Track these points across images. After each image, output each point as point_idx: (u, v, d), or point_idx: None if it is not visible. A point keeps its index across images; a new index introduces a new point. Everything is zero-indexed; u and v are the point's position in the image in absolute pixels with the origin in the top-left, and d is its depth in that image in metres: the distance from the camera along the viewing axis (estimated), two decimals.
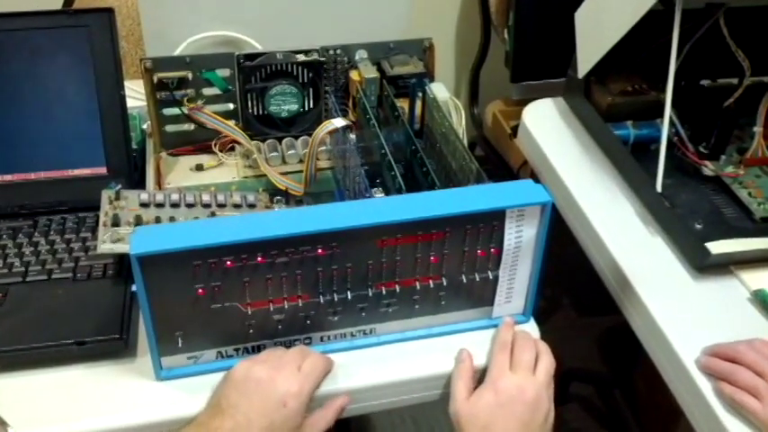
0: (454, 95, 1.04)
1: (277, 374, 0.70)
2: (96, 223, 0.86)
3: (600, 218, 0.96)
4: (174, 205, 0.87)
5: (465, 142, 0.91)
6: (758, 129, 1.01)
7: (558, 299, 1.89)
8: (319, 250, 0.71)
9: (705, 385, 0.76)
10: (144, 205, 0.86)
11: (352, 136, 0.90)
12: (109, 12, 0.91)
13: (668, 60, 0.91)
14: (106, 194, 0.86)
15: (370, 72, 1.00)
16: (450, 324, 0.81)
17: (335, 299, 0.75)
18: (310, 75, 1.02)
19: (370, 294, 0.76)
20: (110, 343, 0.76)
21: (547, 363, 0.77)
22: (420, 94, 0.97)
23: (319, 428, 0.72)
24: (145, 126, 1.05)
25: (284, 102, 1.02)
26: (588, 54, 1.02)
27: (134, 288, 0.78)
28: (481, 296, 0.80)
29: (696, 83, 1.11)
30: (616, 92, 1.07)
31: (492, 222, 0.74)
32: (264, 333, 0.76)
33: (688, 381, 0.77)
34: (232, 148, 1.03)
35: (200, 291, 0.70)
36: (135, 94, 1.05)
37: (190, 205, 0.88)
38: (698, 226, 0.91)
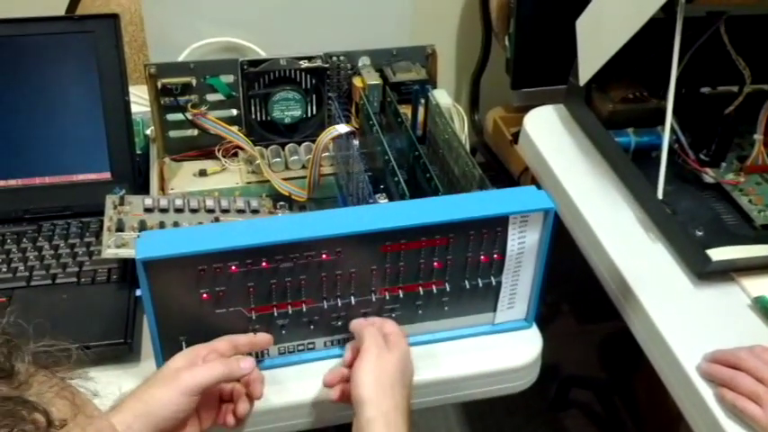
0: (455, 102, 1.05)
1: None
2: (100, 228, 0.87)
3: (601, 224, 0.96)
4: (178, 210, 0.88)
5: (467, 148, 0.92)
6: (758, 136, 1.02)
7: (559, 305, 1.89)
8: (323, 255, 0.72)
9: (706, 391, 0.76)
10: (148, 210, 0.87)
11: (356, 142, 0.90)
12: (114, 18, 0.92)
13: (669, 68, 0.91)
14: (110, 199, 0.87)
15: (373, 78, 1.01)
16: (453, 329, 0.81)
17: (339, 304, 0.75)
18: (313, 81, 1.03)
19: (374, 300, 0.76)
20: (114, 347, 0.77)
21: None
22: (423, 101, 0.98)
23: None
24: (148, 131, 1.05)
25: (287, 108, 1.02)
26: (589, 61, 1.03)
27: (138, 293, 0.79)
28: (484, 302, 0.80)
29: (697, 90, 1.12)
30: (617, 99, 1.08)
31: (495, 228, 0.75)
32: None
33: (689, 387, 0.78)
34: (235, 154, 1.03)
35: (205, 295, 0.71)
36: (138, 100, 1.05)
37: (194, 210, 0.88)
38: (699, 233, 0.92)
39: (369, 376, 0.68)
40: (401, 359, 0.71)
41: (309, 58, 1.02)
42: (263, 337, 0.74)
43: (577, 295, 1.84)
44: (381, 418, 0.66)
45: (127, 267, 0.84)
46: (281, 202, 0.95)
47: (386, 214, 0.73)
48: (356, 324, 0.76)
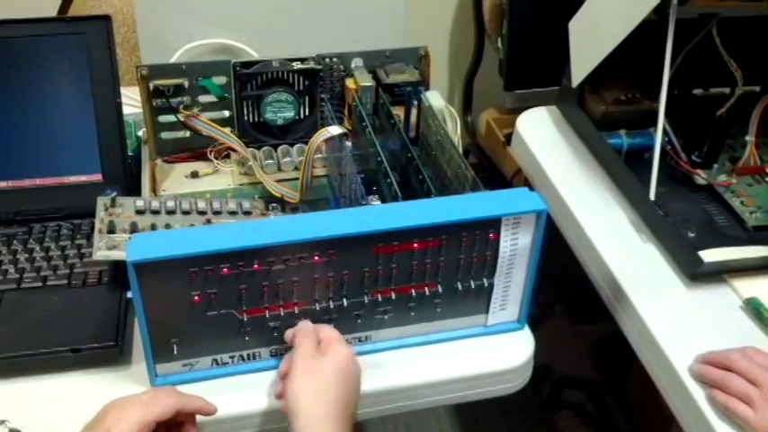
0: (448, 103, 1.05)
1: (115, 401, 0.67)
2: (91, 230, 0.86)
3: (593, 226, 0.96)
4: (170, 212, 0.87)
5: (460, 150, 0.92)
6: (750, 138, 1.02)
7: (552, 306, 1.90)
8: (316, 257, 0.71)
9: (698, 392, 0.76)
10: (139, 212, 0.86)
11: (348, 144, 0.90)
12: (106, 19, 0.92)
13: (661, 70, 0.91)
14: (102, 201, 0.86)
15: (366, 80, 1.01)
16: (446, 331, 0.81)
17: (331, 306, 0.75)
18: (306, 82, 1.03)
19: (366, 301, 0.76)
20: (105, 350, 0.76)
21: None
22: (415, 102, 0.98)
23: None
24: (140, 133, 1.05)
25: (280, 109, 1.02)
26: (582, 63, 1.03)
27: (129, 295, 0.79)
28: (476, 303, 0.80)
29: (689, 92, 1.12)
30: (610, 101, 1.08)
31: (487, 230, 0.75)
32: (260, 340, 0.76)
33: (680, 388, 0.78)
34: (228, 156, 1.03)
35: (196, 298, 0.70)
36: (130, 102, 1.05)
37: (185, 212, 0.88)
38: (691, 234, 0.92)
39: (299, 386, 0.67)
40: (335, 362, 0.70)
41: (302, 60, 1.01)
42: (209, 407, 0.71)
43: (570, 297, 1.85)
44: (311, 427, 0.65)
45: (118, 269, 0.83)
46: (274, 204, 0.95)
47: (378, 216, 0.73)
48: (288, 333, 0.75)
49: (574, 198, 1.01)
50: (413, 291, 0.77)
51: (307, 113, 1.05)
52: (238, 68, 0.99)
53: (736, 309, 0.85)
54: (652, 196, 0.93)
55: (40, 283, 0.83)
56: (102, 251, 0.81)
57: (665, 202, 0.96)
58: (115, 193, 0.87)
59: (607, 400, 1.67)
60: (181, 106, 0.99)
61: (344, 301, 0.75)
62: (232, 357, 0.76)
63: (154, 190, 0.98)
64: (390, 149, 0.93)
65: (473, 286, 0.78)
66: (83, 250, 0.87)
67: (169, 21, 1.14)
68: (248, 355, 0.76)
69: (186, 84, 0.98)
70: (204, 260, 0.68)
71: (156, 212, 0.87)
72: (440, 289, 0.77)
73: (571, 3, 1.04)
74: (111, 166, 0.94)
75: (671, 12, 0.90)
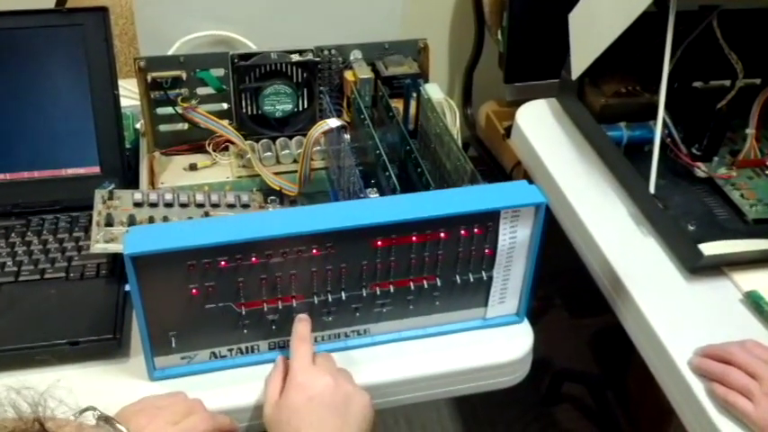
0: (447, 96, 1.04)
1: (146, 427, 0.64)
2: (89, 223, 0.86)
3: (593, 219, 0.96)
4: (168, 205, 0.87)
5: (459, 143, 0.92)
6: (751, 131, 1.02)
7: (551, 299, 1.89)
8: (314, 250, 0.71)
9: (697, 386, 0.76)
10: (137, 205, 0.86)
11: (347, 136, 0.90)
12: (103, 11, 0.91)
13: (661, 62, 0.91)
14: (99, 194, 0.86)
15: (365, 72, 1.00)
16: (444, 324, 0.81)
17: (330, 299, 0.75)
18: (305, 75, 1.02)
19: (365, 295, 0.76)
20: (103, 343, 0.76)
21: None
22: (414, 95, 0.97)
23: None
24: (138, 125, 1.05)
25: (278, 102, 1.01)
26: (582, 55, 1.03)
27: (127, 288, 0.78)
28: (475, 297, 0.80)
29: (689, 85, 1.11)
30: (609, 93, 1.08)
31: (486, 223, 0.74)
32: (258, 333, 0.76)
33: (680, 381, 0.78)
34: (226, 148, 1.03)
35: (194, 291, 0.70)
36: (128, 94, 1.04)
37: (183, 205, 0.88)
38: (691, 227, 0.92)
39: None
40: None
41: (301, 52, 1.01)
42: (235, 426, 0.72)
43: (569, 290, 1.85)
44: None
45: (116, 262, 0.83)
46: (272, 197, 0.94)
47: (377, 209, 0.72)
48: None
49: (573, 191, 1.01)
50: (411, 284, 0.77)
51: (305, 106, 1.04)
52: (236, 60, 0.99)
53: (735, 302, 0.85)
54: (652, 189, 0.92)
55: (37, 276, 0.83)
56: (99, 244, 0.81)
57: (664, 195, 0.95)
58: (113, 186, 0.87)
59: (606, 394, 1.67)
60: (179, 98, 0.98)
61: (343, 294, 0.75)
62: (230, 350, 0.76)
63: (152, 182, 0.97)
64: (389, 142, 0.93)
65: (472, 279, 0.78)
66: (81, 243, 0.87)
67: (167, 13, 1.14)
68: (247, 348, 0.76)
69: (184, 76, 0.98)
70: (202, 253, 0.68)
71: (153, 205, 0.87)
72: (438, 282, 0.77)
73: None
74: (109, 159, 0.94)
75: (671, 4, 0.90)
